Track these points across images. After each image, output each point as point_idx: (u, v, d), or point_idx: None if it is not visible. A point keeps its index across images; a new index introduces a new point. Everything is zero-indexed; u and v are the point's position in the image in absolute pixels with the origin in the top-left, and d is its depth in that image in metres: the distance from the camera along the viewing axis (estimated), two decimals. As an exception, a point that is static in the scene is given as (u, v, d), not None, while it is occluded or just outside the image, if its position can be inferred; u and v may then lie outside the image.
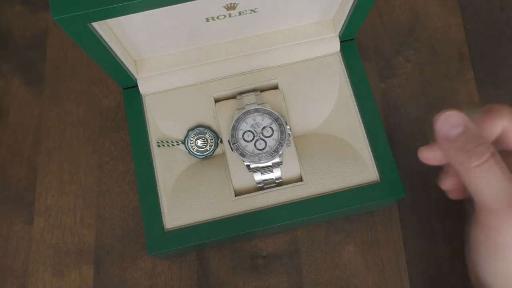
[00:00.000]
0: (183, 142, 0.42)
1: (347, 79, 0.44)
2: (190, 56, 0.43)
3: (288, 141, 0.41)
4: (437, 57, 0.49)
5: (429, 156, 0.35)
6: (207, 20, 0.37)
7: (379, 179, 0.41)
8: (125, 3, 0.29)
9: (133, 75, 0.42)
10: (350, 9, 0.39)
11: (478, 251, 0.33)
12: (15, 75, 0.49)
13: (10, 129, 0.47)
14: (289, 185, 0.41)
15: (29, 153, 0.47)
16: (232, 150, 0.40)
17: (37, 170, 0.46)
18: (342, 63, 0.44)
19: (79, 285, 0.43)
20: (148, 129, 0.43)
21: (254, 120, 0.41)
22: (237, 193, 0.41)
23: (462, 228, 0.44)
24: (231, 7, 0.36)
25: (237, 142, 0.40)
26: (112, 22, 0.35)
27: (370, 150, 0.42)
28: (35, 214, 0.45)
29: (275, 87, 0.44)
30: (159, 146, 0.42)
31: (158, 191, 0.41)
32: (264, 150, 0.40)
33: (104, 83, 0.49)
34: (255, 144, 0.40)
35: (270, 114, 0.41)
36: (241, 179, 0.41)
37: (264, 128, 0.41)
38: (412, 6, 0.51)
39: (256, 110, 0.41)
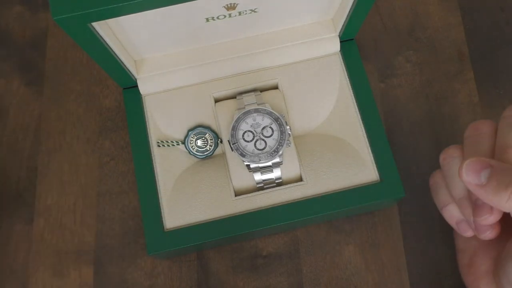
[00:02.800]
0: (183, 142, 0.42)
1: (347, 79, 0.44)
2: (190, 56, 0.43)
3: (288, 141, 0.41)
4: (437, 57, 0.49)
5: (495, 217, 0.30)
6: (207, 20, 0.37)
7: (379, 179, 0.41)
8: (125, 3, 0.29)
9: (133, 75, 0.42)
10: (350, 9, 0.39)
11: None
12: (15, 75, 0.49)
13: (10, 129, 0.47)
14: (289, 185, 0.41)
15: (29, 153, 0.47)
16: (232, 150, 0.40)
17: (37, 170, 0.46)
18: (342, 63, 0.44)
19: (79, 285, 0.43)
20: (148, 129, 0.43)
21: (254, 120, 0.41)
22: (237, 193, 0.41)
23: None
24: (231, 7, 0.36)
25: (237, 142, 0.40)
26: (112, 22, 0.35)
27: (370, 150, 0.42)
28: (35, 214, 0.45)
29: (275, 87, 0.44)
30: (159, 146, 0.42)
31: (158, 191, 0.41)
32: (264, 150, 0.40)
33: (104, 83, 0.49)
34: (255, 144, 0.40)
35: (270, 114, 0.41)
36: (241, 179, 0.41)
37: (264, 128, 0.41)
38: (412, 6, 0.51)
39: (256, 110, 0.41)
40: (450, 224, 0.33)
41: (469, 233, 0.33)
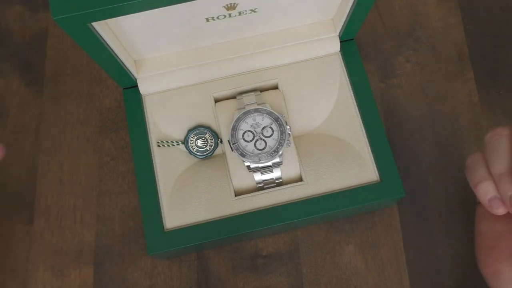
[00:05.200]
0: (183, 142, 0.42)
1: (347, 79, 0.44)
2: (190, 56, 0.43)
3: (288, 141, 0.41)
4: (437, 57, 0.49)
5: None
6: (207, 20, 0.37)
7: (379, 179, 0.41)
8: (125, 3, 0.29)
9: (133, 75, 0.42)
10: (350, 9, 0.39)
11: None
12: (15, 75, 0.49)
13: (10, 129, 0.47)
14: (289, 185, 0.41)
15: (29, 153, 0.47)
16: (232, 150, 0.40)
17: (37, 170, 0.46)
18: (342, 63, 0.44)
19: (79, 285, 0.43)
20: (148, 129, 0.43)
21: (254, 120, 0.41)
22: (237, 193, 0.41)
23: (462, 228, 0.44)
24: (231, 7, 0.36)
25: (237, 142, 0.40)
26: (112, 22, 0.35)
27: (370, 150, 0.42)
28: (35, 214, 0.45)
29: (275, 87, 0.44)
30: (159, 146, 0.42)
31: (158, 191, 0.41)
32: (264, 150, 0.40)
33: (104, 83, 0.49)
34: (255, 144, 0.40)
35: (270, 114, 0.41)
36: (241, 179, 0.41)
37: (264, 128, 0.41)
38: (412, 6, 0.51)
39: (256, 110, 0.41)
40: (481, 200, 0.34)
41: (501, 210, 0.34)
